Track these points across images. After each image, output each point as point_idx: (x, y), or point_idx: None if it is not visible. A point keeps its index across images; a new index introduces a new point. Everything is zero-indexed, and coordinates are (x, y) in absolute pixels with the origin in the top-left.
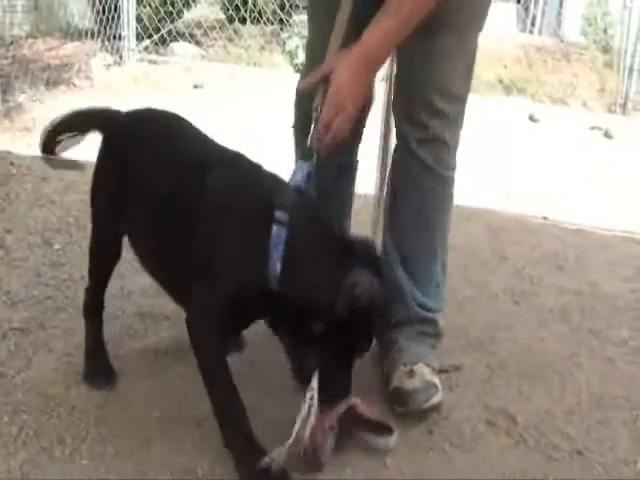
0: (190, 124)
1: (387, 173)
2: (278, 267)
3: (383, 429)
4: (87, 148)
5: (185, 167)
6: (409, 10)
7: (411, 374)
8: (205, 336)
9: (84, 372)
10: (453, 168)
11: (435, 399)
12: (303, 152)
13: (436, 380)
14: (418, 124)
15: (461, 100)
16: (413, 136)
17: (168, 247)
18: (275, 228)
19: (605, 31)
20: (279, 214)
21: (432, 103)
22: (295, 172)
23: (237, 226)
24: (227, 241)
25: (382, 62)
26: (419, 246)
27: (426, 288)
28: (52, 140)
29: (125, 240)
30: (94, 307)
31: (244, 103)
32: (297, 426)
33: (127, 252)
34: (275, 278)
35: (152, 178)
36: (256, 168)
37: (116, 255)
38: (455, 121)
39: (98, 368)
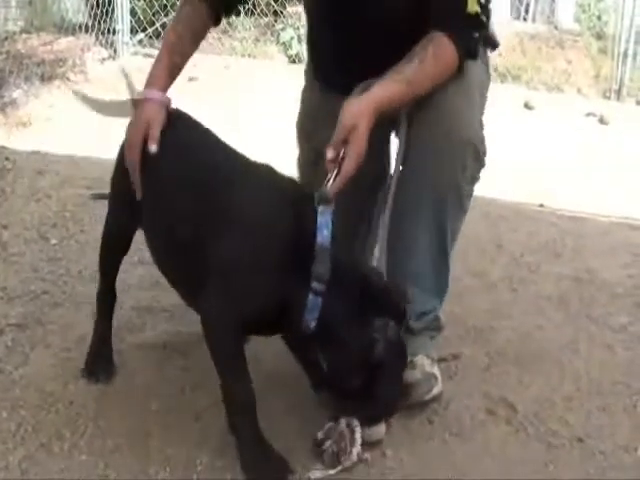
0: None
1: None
2: (313, 324)
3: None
4: (82, 143)
5: (211, 174)
6: (429, 83)
7: (412, 366)
8: (222, 342)
9: (85, 363)
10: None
11: (435, 390)
12: (321, 196)
13: (436, 371)
14: None
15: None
16: None
17: (185, 248)
18: (311, 297)
19: (599, 17)
20: (315, 285)
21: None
22: (320, 223)
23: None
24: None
25: (386, 113)
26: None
27: (429, 284)
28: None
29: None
30: (105, 299)
31: (239, 95)
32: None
33: None
34: (309, 329)
35: (174, 180)
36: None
37: (127, 247)
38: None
39: (99, 362)
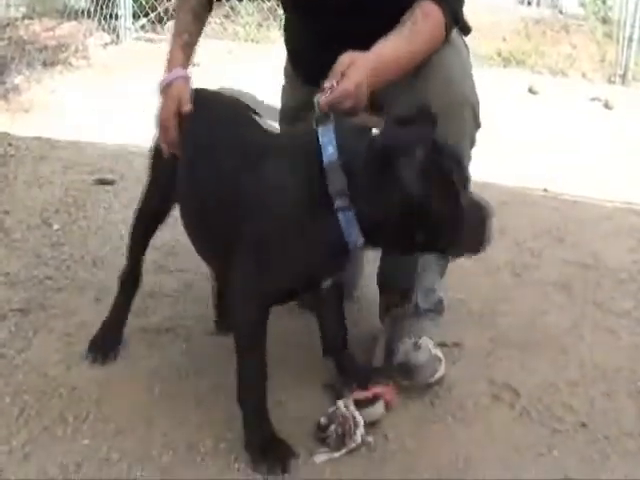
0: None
1: None
2: (361, 241)
3: (367, 400)
4: (84, 129)
5: (243, 148)
6: (422, 42)
7: (417, 347)
8: (247, 314)
9: (91, 341)
10: None
11: (440, 372)
12: (318, 118)
13: (439, 353)
14: None
15: None
16: None
17: (216, 220)
18: (341, 216)
19: (604, 2)
20: (338, 203)
21: None
22: (323, 143)
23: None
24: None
25: (378, 86)
26: None
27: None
28: None
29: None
30: (128, 280)
31: (242, 80)
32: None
33: (127, 231)
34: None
35: (209, 156)
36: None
37: (156, 229)
38: None
39: (104, 344)
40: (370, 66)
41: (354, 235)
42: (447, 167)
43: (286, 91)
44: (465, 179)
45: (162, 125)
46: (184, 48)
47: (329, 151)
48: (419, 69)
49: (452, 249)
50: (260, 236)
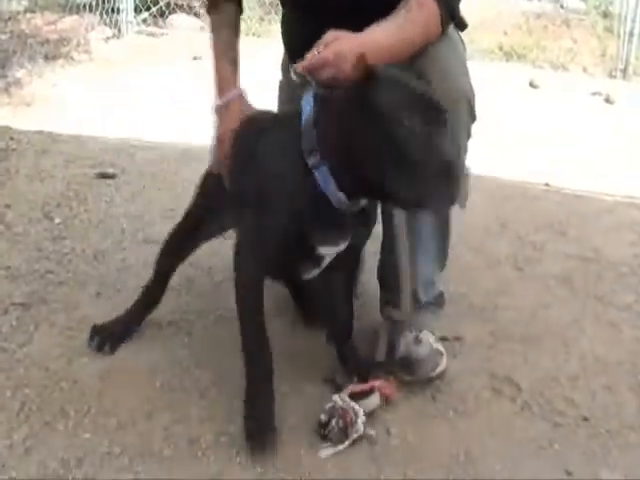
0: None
1: None
2: (341, 195)
3: (363, 393)
4: (85, 123)
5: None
6: (414, 31)
7: (418, 341)
8: (246, 269)
9: (102, 325)
10: None
11: (441, 366)
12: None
13: (441, 347)
14: None
15: None
16: None
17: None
18: (317, 174)
19: None
20: (311, 161)
21: None
22: (302, 105)
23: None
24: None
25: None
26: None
27: (431, 248)
28: None
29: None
30: (152, 290)
31: (243, 73)
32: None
33: (128, 225)
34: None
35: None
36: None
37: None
38: None
39: (114, 334)
40: (355, 43)
41: (332, 190)
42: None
43: (283, 86)
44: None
45: (219, 141)
46: (232, 65)
47: (306, 112)
48: (415, 62)
49: (419, 200)
50: (255, 195)
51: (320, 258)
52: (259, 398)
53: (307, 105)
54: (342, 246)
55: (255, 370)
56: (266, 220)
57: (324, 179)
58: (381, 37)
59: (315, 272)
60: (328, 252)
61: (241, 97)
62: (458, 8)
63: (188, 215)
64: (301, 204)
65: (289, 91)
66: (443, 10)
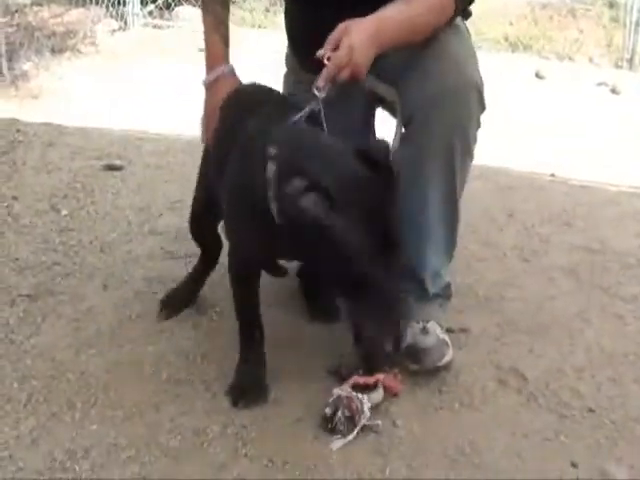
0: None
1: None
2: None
3: (368, 386)
4: (92, 115)
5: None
6: (426, 8)
7: (425, 331)
8: (232, 259)
9: (166, 294)
10: None
11: (447, 357)
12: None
13: (447, 338)
14: None
15: None
16: None
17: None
18: (270, 165)
19: None
20: (270, 150)
21: None
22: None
23: (242, 162)
24: (234, 176)
25: (387, 46)
26: (441, 206)
27: (439, 239)
28: None
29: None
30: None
31: (248, 65)
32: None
33: (135, 217)
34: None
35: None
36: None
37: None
38: None
39: (177, 299)
40: (367, 31)
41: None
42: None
43: (288, 79)
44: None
45: (207, 116)
46: (223, 41)
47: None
48: (425, 52)
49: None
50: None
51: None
52: (250, 362)
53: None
54: None
55: (247, 339)
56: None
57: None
58: (392, 17)
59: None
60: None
61: (230, 73)
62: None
63: (199, 182)
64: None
65: (294, 82)
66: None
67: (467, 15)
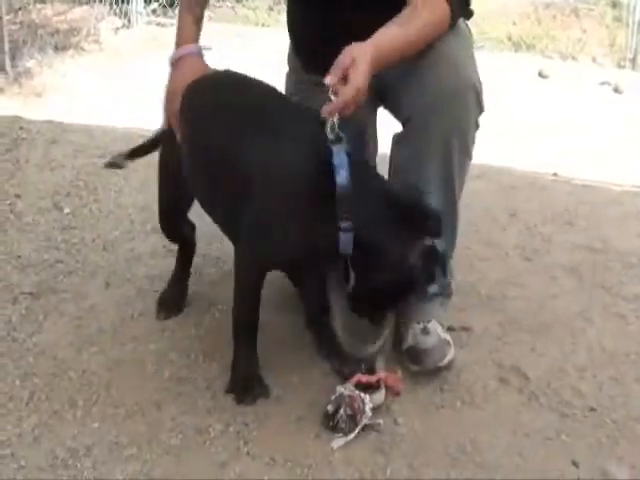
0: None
1: None
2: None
3: (371, 386)
4: (95, 113)
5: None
6: (422, 27)
7: (425, 332)
8: (246, 277)
9: (160, 296)
10: None
11: (449, 356)
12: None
13: (448, 337)
14: None
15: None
16: None
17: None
18: (342, 235)
19: None
20: (343, 225)
21: None
22: (337, 165)
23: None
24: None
25: (385, 68)
26: (439, 205)
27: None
28: None
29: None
30: (181, 250)
31: (251, 63)
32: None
33: (137, 215)
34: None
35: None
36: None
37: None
38: None
39: (173, 296)
40: (371, 60)
41: (347, 251)
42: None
43: (290, 78)
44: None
45: (170, 94)
46: (195, 22)
47: (342, 174)
48: (424, 53)
49: None
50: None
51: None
52: (248, 358)
53: (341, 168)
54: None
55: (243, 338)
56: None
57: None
58: (390, 41)
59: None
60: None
61: (196, 54)
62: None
63: (163, 175)
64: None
65: (295, 82)
66: (454, 4)
67: (469, 15)
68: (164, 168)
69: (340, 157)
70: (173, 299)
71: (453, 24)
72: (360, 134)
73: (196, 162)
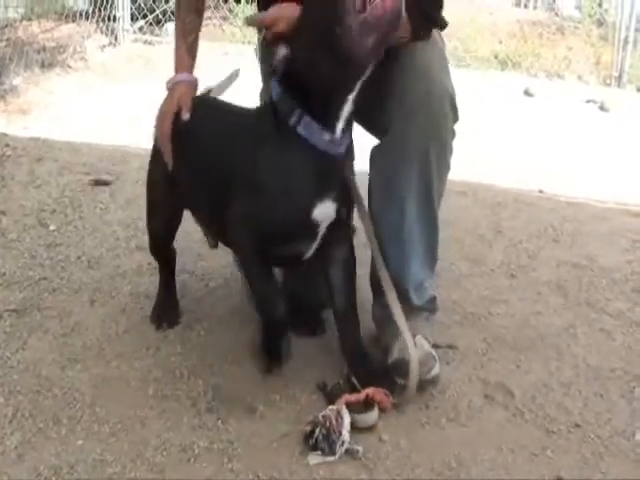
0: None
1: None
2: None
3: (366, 405)
4: (81, 130)
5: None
6: None
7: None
8: (246, 245)
9: (152, 311)
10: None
11: (435, 370)
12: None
13: (434, 352)
14: None
15: None
16: None
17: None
18: (300, 129)
19: (600, 4)
20: (293, 119)
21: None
22: (273, 88)
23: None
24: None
25: None
26: (420, 217)
27: (420, 252)
28: None
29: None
30: (163, 259)
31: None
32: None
33: (122, 232)
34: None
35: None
36: None
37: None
38: None
39: (164, 310)
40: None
41: (317, 135)
42: None
43: (265, 92)
44: None
45: (161, 117)
46: (190, 49)
47: (275, 89)
48: (396, 61)
49: None
50: (245, 178)
51: (316, 226)
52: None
53: (275, 87)
54: (332, 212)
55: (266, 307)
56: (263, 199)
57: (308, 129)
58: None
59: (313, 246)
60: (322, 218)
61: (189, 84)
62: (438, 18)
63: (154, 197)
64: (296, 169)
65: (265, 74)
66: (423, 21)
67: (443, 26)
68: (152, 184)
69: (273, 84)
70: (168, 312)
71: (417, 39)
72: None
73: (185, 168)
